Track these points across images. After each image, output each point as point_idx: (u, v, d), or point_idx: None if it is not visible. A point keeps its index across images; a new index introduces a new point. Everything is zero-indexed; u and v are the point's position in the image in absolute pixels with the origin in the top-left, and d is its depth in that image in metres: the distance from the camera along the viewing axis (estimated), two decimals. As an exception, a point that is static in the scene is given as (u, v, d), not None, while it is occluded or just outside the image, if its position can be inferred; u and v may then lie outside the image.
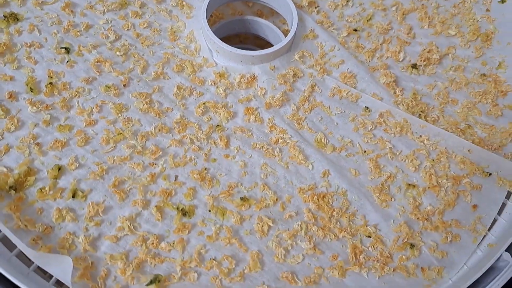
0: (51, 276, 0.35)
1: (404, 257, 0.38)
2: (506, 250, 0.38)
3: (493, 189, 0.42)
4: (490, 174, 0.42)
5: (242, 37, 0.61)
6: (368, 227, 0.39)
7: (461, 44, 0.49)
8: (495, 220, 0.41)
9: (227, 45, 0.44)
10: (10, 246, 0.36)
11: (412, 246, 0.39)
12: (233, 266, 0.36)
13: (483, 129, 0.45)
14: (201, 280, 0.36)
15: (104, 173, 0.39)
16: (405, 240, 0.39)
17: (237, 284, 0.36)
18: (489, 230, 0.41)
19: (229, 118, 0.44)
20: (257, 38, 0.55)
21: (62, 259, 0.33)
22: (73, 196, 0.38)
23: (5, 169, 0.38)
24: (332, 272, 0.37)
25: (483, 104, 0.46)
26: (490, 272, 0.38)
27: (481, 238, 0.40)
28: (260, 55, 0.45)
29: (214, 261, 0.36)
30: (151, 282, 0.35)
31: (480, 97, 0.46)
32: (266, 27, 0.51)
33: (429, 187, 0.42)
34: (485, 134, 0.45)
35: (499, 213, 0.42)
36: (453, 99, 0.46)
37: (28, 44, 0.44)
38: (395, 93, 0.46)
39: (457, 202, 0.41)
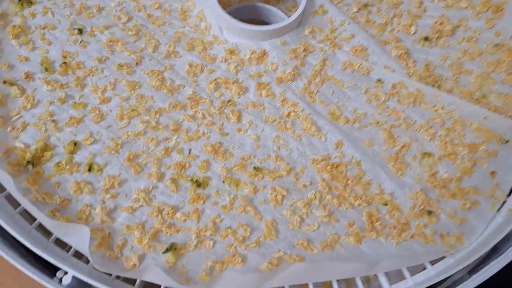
0: (68, 250, 0.36)
1: (421, 224, 0.38)
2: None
3: (510, 156, 0.41)
4: (507, 141, 0.42)
5: (250, 23, 0.60)
6: (384, 195, 0.39)
7: (473, 16, 0.49)
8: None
9: (236, 21, 0.45)
10: (29, 219, 0.37)
11: (429, 213, 0.38)
12: (248, 234, 0.36)
13: (498, 98, 0.44)
14: (216, 248, 0.36)
15: (119, 147, 0.40)
16: (422, 207, 0.39)
17: (252, 251, 0.36)
18: (508, 195, 0.40)
19: (240, 93, 0.44)
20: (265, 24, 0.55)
21: (80, 229, 0.34)
22: (89, 170, 0.38)
23: (22, 145, 0.39)
24: (348, 238, 0.37)
25: (497, 74, 0.46)
26: (510, 237, 0.37)
27: (500, 204, 0.39)
28: (270, 30, 0.45)
29: (229, 230, 0.36)
30: (167, 250, 0.35)
31: (494, 66, 0.46)
32: (275, 13, 0.51)
33: (444, 155, 0.41)
34: (500, 103, 0.44)
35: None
36: (467, 69, 0.46)
37: (42, 26, 0.45)
38: (407, 65, 0.46)
39: (474, 169, 0.40)
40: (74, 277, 0.33)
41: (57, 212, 0.36)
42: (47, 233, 0.36)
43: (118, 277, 0.35)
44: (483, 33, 0.48)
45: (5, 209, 0.36)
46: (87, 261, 0.34)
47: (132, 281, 0.35)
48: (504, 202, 0.40)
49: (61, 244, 0.36)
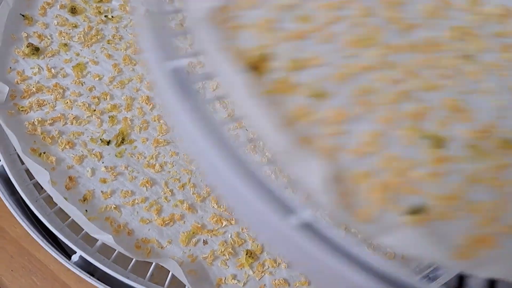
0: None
1: None
2: None
3: None
4: None
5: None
6: None
7: None
8: None
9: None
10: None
11: None
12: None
13: None
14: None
15: (345, 77, 0.33)
16: None
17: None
18: None
19: (485, 48, 0.36)
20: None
21: (314, 160, 0.28)
22: (315, 95, 0.32)
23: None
24: None
25: None
26: None
27: None
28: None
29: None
30: (413, 212, 0.29)
31: None
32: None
33: None
34: None
35: None
36: None
37: None
38: None
39: None
40: (81, 257, 0.42)
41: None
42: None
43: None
44: None
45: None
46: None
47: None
48: None
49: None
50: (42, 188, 0.45)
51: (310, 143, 0.30)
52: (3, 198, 0.42)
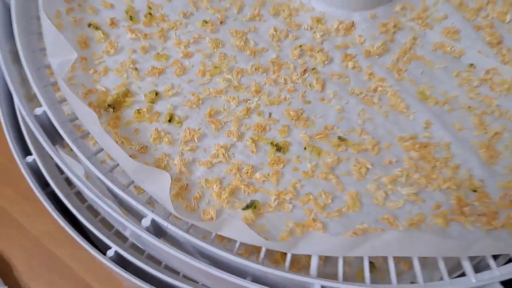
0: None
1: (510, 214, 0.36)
2: None
3: None
4: None
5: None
6: (473, 181, 0.37)
7: None
8: None
9: (329, -13, 0.43)
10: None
11: (521, 205, 0.36)
12: (329, 202, 0.35)
13: None
14: (295, 212, 0.34)
15: (200, 102, 0.39)
16: (513, 197, 0.36)
17: (334, 220, 0.34)
18: None
19: (325, 62, 0.42)
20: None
21: (161, 175, 0.33)
22: (170, 121, 0.37)
23: (103, 89, 0.38)
24: (436, 220, 0.34)
25: None
26: None
27: None
28: None
29: (310, 196, 0.35)
30: (247, 207, 0.33)
31: None
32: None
33: (540, 148, 0.39)
34: None
35: None
36: None
37: (131, -24, 0.44)
38: (501, 52, 0.43)
39: None
40: (116, 252, 0.36)
41: (136, 158, 0.35)
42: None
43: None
44: None
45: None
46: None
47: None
48: None
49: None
50: (71, 184, 0.41)
51: (162, 163, 0.35)
52: (35, 191, 0.40)
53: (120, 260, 0.36)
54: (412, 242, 0.30)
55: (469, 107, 0.40)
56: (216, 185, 0.35)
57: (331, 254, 0.31)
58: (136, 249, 0.37)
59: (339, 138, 0.38)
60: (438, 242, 0.31)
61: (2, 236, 0.53)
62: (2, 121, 0.41)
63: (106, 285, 0.51)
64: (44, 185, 0.41)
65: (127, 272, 0.35)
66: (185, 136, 0.37)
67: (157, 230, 0.33)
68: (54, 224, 0.38)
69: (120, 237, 0.38)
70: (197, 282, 0.36)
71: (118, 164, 0.34)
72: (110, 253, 0.37)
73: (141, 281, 0.35)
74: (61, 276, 0.52)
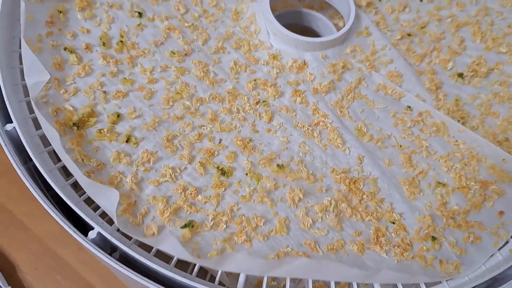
0: (95, 210, 0.39)
1: (424, 247, 0.40)
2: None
3: (522, 200, 0.43)
4: None
5: (293, 29, 0.64)
6: (393, 214, 0.41)
7: (509, 61, 0.50)
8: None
9: (284, 28, 0.48)
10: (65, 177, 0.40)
11: (433, 238, 0.40)
12: (261, 224, 0.39)
13: (520, 144, 0.46)
14: (228, 232, 0.38)
15: (157, 125, 0.43)
16: (428, 232, 0.41)
17: (262, 242, 0.38)
18: (512, 237, 0.42)
19: (276, 96, 0.47)
20: (308, 31, 0.58)
21: (110, 191, 0.37)
22: (127, 141, 0.42)
23: (71, 108, 0.42)
24: (352, 246, 0.39)
25: (524, 120, 0.47)
26: (507, 277, 0.39)
27: (503, 243, 0.41)
28: (315, 42, 0.48)
29: (243, 217, 0.39)
30: (185, 226, 0.38)
31: (522, 113, 0.47)
32: (319, 20, 0.55)
33: (458, 188, 0.43)
34: (522, 149, 0.46)
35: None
36: (495, 111, 0.48)
37: (110, 4, 0.49)
38: (437, 97, 0.48)
39: (483, 205, 0.42)
40: (99, 234, 0.37)
41: (92, 174, 0.40)
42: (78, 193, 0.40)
43: (136, 243, 0.38)
44: (517, 80, 0.50)
45: (47, 163, 0.40)
46: (111, 223, 0.38)
47: (147, 248, 0.38)
48: (506, 242, 0.41)
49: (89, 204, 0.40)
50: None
51: (116, 180, 0.40)
52: (15, 166, 0.38)
53: (104, 244, 0.36)
54: (321, 269, 0.35)
55: (400, 146, 0.45)
56: (162, 203, 0.39)
57: (254, 273, 0.35)
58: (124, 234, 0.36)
59: (278, 165, 0.42)
60: (345, 269, 0.35)
61: (7, 237, 0.54)
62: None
63: (110, 287, 0.52)
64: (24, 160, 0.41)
65: (110, 257, 0.35)
66: (142, 157, 0.41)
67: (107, 244, 0.37)
68: (59, 226, 0.38)
69: (109, 219, 0.37)
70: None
71: (74, 179, 0.39)
72: (92, 234, 0.36)
73: (127, 269, 0.35)
74: (65, 277, 0.52)
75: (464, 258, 0.40)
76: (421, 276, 0.38)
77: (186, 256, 0.35)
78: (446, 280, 0.39)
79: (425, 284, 0.38)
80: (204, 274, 0.39)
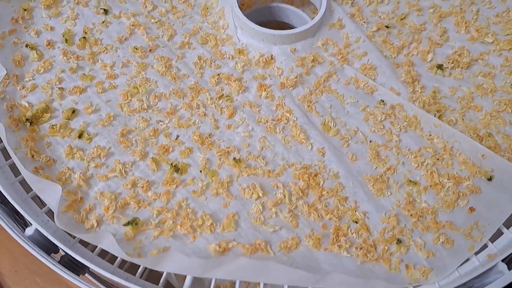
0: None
1: (389, 250, 0.37)
2: (505, 263, 0.35)
3: (500, 199, 0.39)
4: (490, 178, 0.39)
5: (271, 26, 0.61)
6: (357, 212, 0.38)
7: (495, 51, 0.47)
8: (501, 233, 0.38)
9: (250, 21, 0.46)
10: (16, 173, 0.39)
11: (399, 241, 0.37)
12: (209, 223, 0.37)
13: (505, 139, 0.42)
14: (173, 229, 0.36)
15: (112, 120, 0.42)
16: (393, 233, 0.37)
17: (206, 239, 0.36)
18: (492, 241, 0.38)
19: (240, 91, 0.45)
20: (286, 27, 0.56)
21: (54, 187, 0.36)
22: (79, 137, 0.41)
23: (26, 104, 0.42)
24: (308, 241, 0.36)
25: (508, 113, 0.43)
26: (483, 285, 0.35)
27: (479, 247, 0.37)
28: (281, 35, 0.46)
29: (189, 209, 0.37)
30: (128, 223, 0.36)
31: (506, 106, 0.43)
32: (295, 14, 0.52)
33: (430, 186, 0.40)
34: (506, 145, 0.42)
35: (508, 226, 0.38)
36: (477, 104, 0.44)
37: (75, 1, 0.48)
38: (413, 90, 0.45)
39: (456, 204, 0.39)
40: (37, 231, 0.35)
41: (41, 170, 0.39)
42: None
43: (80, 242, 0.37)
44: (503, 70, 0.46)
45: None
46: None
47: (93, 248, 0.36)
48: (485, 246, 0.37)
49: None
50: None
51: (64, 176, 0.38)
52: None
53: (43, 241, 0.34)
54: (265, 270, 0.32)
55: (370, 142, 0.42)
56: (109, 199, 0.37)
57: (193, 274, 0.33)
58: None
59: (234, 159, 0.40)
60: (291, 272, 0.32)
61: (-13, 241, 0.53)
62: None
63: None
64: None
65: (46, 257, 0.33)
66: (93, 152, 0.40)
67: (48, 242, 0.35)
68: None
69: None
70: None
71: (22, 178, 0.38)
72: (29, 231, 0.34)
73: (66, 270, 0.34)
74: (45, 280, 0.52)
75: (434, 262, 0.36)
76: (383, 282, 0.35)
77: (122, 255, 0.33)
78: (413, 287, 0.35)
79: (388, 291, 0.35)
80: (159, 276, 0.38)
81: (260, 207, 0.38)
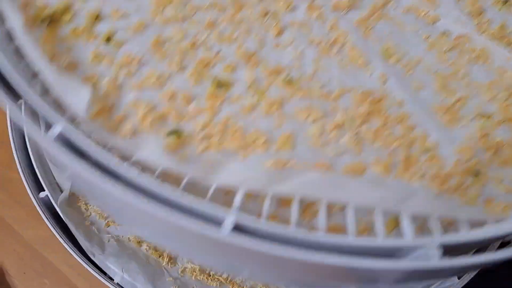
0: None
1: (465, 183, 0.32)
2: None
3: None
4: None
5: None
6: (427, 142, 0.34)
7: None
8: None
9: None
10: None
11: (476, 173, 0.33)
12: (263, 140, 0.31)
13: None
14: (221, 146, 0.31)
15: (143, 29, 0.36)
16: (469, 165, 0.33)
17: (260, 156, 0.31)
18: None
19: (287, 9, 0.39)
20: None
21: (83, 89, 0.30)
22: (107, 40, 0.35)
23: (42, 3, 0.35)
24: (376, 167, 0.31)
25: None
26: None
27: None
28: (336, -49, 0.41)
29: (239, 127, 0.32)
30: (171, 133, 0.30)
31: None
32: None
33: (504, 121, 0.35)
34: None
35: None
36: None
37: None
38: (479, 23, 0.41)
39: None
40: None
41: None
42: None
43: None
44: None
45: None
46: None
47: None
48: None
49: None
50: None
51: (91, 79, 0.33)
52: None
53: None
54: (338, 186, 0.27)
55: (436, 72, 0.38)
56: (144, 108, 0.32)
57: (253, 186, 0.28)
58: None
59: (285, 79, 0.35)
60: (368, 190, 0.28)
61: (-5, 241, 0.55)
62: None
63: (97, 291, 0.51)
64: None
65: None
66: (123, 59, 0.34)
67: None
68: (47, 230, 0.40)
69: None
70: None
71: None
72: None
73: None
74: (53, 282, 0.52)
75: (513, 198, 0.32)
76: (463, 211, 0.30)
77: (170, 163, 0.28)
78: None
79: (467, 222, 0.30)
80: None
81: (319, 130, 0.33)
